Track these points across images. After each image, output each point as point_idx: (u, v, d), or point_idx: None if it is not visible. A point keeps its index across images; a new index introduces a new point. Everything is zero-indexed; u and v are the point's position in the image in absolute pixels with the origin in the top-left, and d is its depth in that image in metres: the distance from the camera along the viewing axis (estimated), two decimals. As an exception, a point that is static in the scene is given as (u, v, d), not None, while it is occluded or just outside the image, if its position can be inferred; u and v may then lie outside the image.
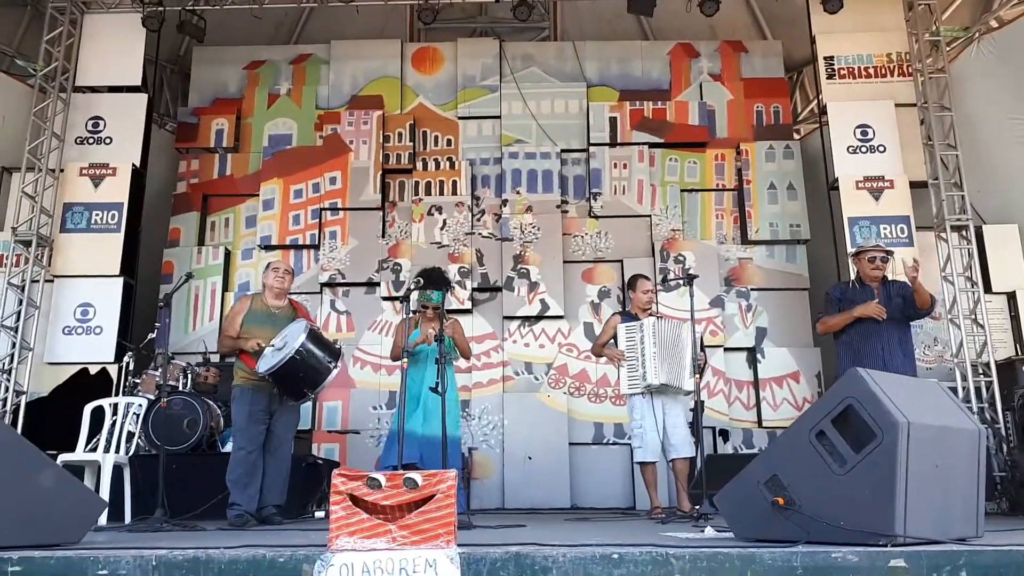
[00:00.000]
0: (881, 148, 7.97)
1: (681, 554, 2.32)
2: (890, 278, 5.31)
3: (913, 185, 7.84)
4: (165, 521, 4.02)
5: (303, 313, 5.04)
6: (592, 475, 7.91)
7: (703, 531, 3.34)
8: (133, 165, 7.99)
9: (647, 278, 5.47)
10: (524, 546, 2.45)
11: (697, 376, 4.97)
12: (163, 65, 9.66)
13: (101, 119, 8.10)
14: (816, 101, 9.10)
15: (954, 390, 7.21)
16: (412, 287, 4.94)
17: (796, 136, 9.43)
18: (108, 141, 8.05)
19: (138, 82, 8.19)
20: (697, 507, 5.10)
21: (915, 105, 8.01)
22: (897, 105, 8.04)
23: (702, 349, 5.19)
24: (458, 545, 2.36)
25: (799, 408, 8.09)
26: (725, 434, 7.90)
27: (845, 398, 2.53)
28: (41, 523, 2.61)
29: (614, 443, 8.05)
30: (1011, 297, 7.76)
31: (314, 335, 4.50)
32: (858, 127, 8.06)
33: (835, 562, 2.29)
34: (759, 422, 8.16)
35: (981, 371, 7.26)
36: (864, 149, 8.01)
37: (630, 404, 5.22)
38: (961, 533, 2.61)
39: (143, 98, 8.28)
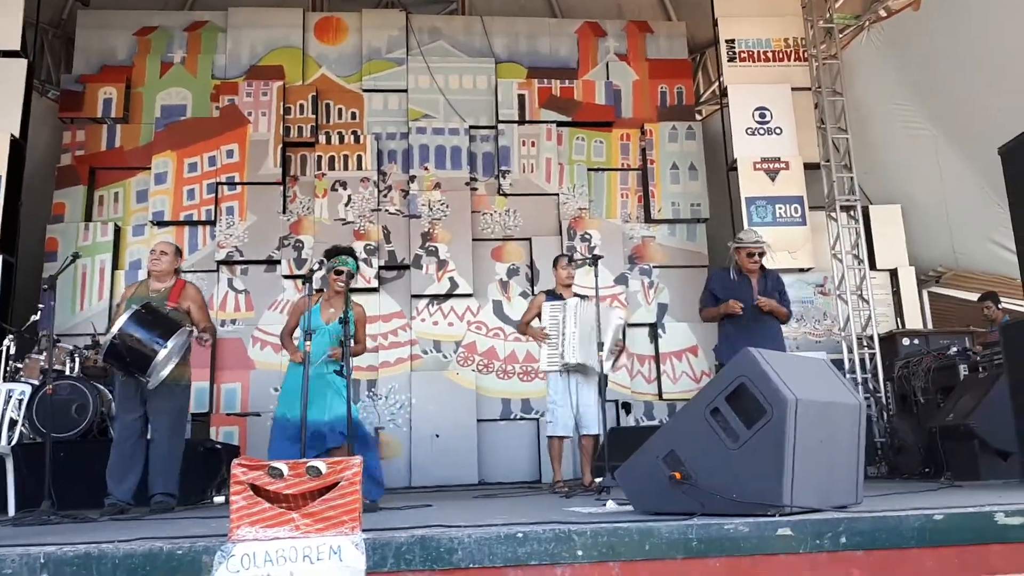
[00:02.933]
0: (778, 130, 8.28)
1: (583, 530, 2.38)
2: (768, 268, 5.57)
3: (807, 167, 8.20)
4: (52, 513, 3.83)
5: (177, 293, 4.79)
6: (499, 451, 8.00)
7: (604, 505, 3.43)
8: (12, 135, 7.45)
9: (567, 256, 5.65)
10: (430, 528, 2.46)
11: (611, 362, 5.10)
12: (44, 28, 9.05)
13: (-26, 85, 7.53)
14: (718, 83, 9.35)
15: (841, 362, 7.65)
16: (323, 258, 4.85)
17: (698, 117, 9.68)
18: (-18, 109, 7.49)
19: (16, 46, 7.61)
20: (599, 480, 5.28)
21: (810, 89, 8.35)
22: (793, 89, 8.37)
23: (623, 336, 5.33)
24: (363, 530, 2.35)
25: (697, 381, 8.40)
26: (627, 407, 8.12)
27: (738, 376, 2.64)
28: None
29: (521, 418, 8.17)
30: (893, 274, 8.25)
31: (140, 317, 4.32)
32: (756, 109, 8.35)
33: (727, 533, 2.40)
34: (660, 394, 8.43)
35: (865, 344, 7.71)
36: (762, 131, 8.30)
37: (548, 380, 5.34)
38: (842, 501, 2.78)
39: (22, 63, 7.71)
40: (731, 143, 8.45)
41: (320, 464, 2.34)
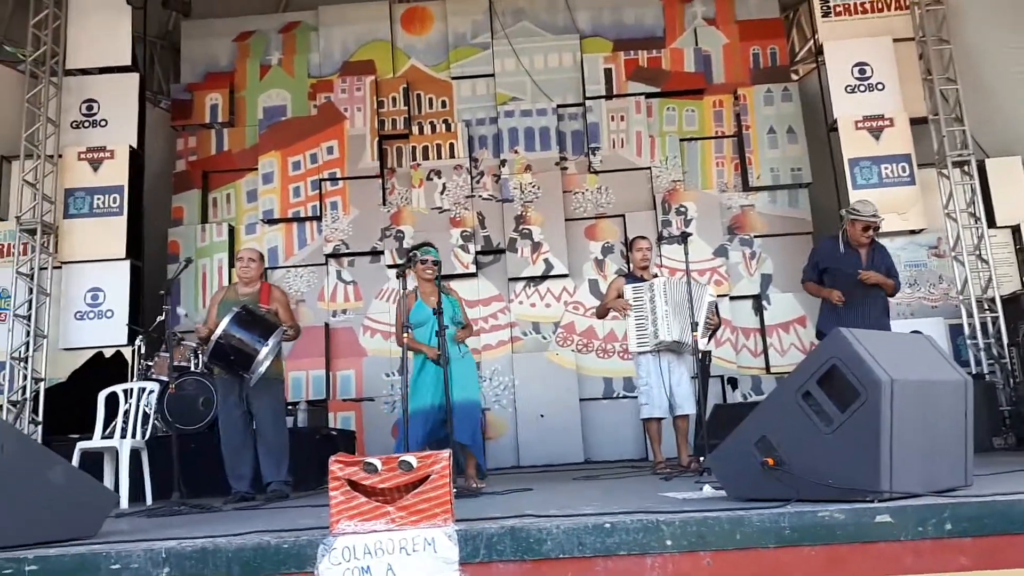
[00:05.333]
0: (880, 86, 7.86)
1: (671, 520, 2.39)
2: (878, 240, 5.42)
3: (913, 122, 7.76)
4: (182, 503, 4.14)
5: (266, 296, 5.07)
6: (604, 429, 8.02)
7: (701, 489, 3.41)
8: (130, 146, 8.01)
9: (644, 238, 5.57)
10: (520, 519, 2.52)
11: (706, 338, 5.03)
12: (152, 42, 9.60)
13: (95, 101, 8.10)
14: (812, 40, 8.94)
15: (960, 327, 7.24)
16: (408, 255, 5.01)
17: (794, 78, 9.29)
18: (104, 123, 8.06)
19: (128, 62, 8.14)
20: (701, 459, 5.23)
21: (913, 39, 7.87)
22: (895, 40, 7.92)
23: (716, 313, 5.24)
24: (456, 521, 2.44)
25: (806, 352, 8.12)
26: (734, 382, 7.97)
27: (829, 358, 2.56)
28: (56, 520, 2.71)
29: (624, 397, 8.14)
30: (1015, 231, 7.72)
31: (241, 318, 4.57)
32: (855, 65, 7.95)
33: (822, 520, 2.35)
34: (767, 368, 8.22)
35: (986, 307, 7.26)
36: (863, 88, 7.91)
37: (636, 362, 5.30)
38: (949, 484, 2.67)
39: (135, 77, 8.26)
40: (830, 103, 8.07)
41: (411, 458, 2.44)
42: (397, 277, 4.76)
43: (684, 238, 4.99)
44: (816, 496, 2.52)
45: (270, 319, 4.87)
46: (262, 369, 4.66)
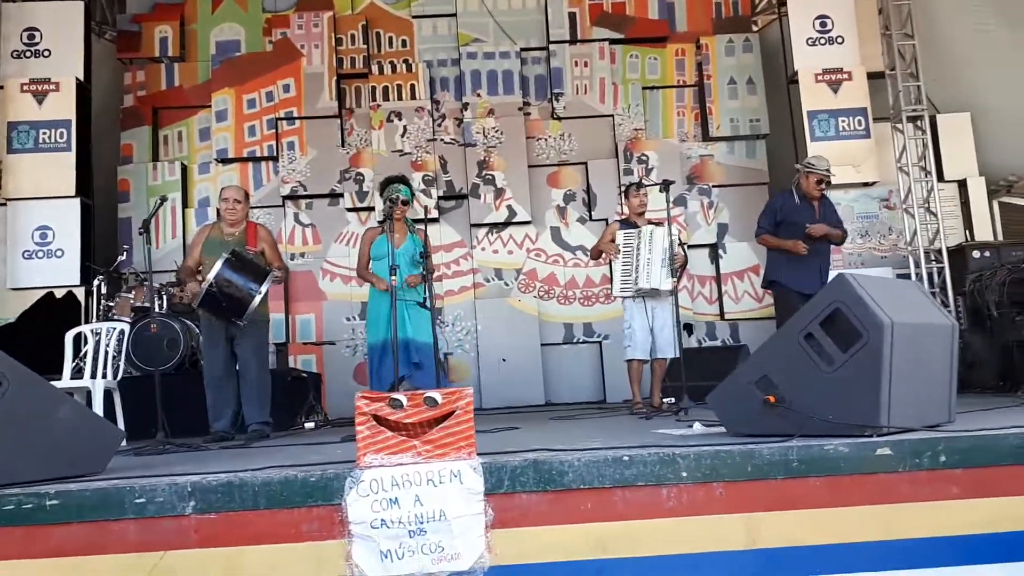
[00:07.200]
0: (839, 39, 8.01)
1: (686, 453, 2.50)
2: (825, 194, 5.71)
3: (870, 76, 7.94)
4: (167, 443, 4.10)
5: (253, 236, 4.98)
6: (564, 373, 8.19)
7: (691, 427, 3.55)
8: (77, 79, 7.63)
9: (640, 185, 5.66)
10: (541, 452, 2.61)
11: (675, 280, 5.16)
12: (95, -33, 9.06)
13: (37, 30, 7.66)
14: (774, -9, 9.03)
15: (907, 276, 7.58)
16: (385, 195, 4.98)
17: (755, 28, 9.36)
18: (47, 54, 7.64)
19: (72, -12, 7.71)
20: (670, 399, 5.42)
21: (874, -7, 8.03)
22: (855, -6, 8.04)
23: (680, 245, 5.37)
24: (479, 454, 2.50)
25: (760, 300, 8.40)
26: (689, 328, 8.15)
27: (833, 302, 2.69)
28: (65, 456, 2.68)
29: (583, 342, 8.31)
30: (962, 185, 8.05)
31: (233, 263, 4.50)
32: (817, 18, 8.06)
33: (827, 453, 2.50)
34: (721, 315, 8.46)
35: (933, 258, 7.61)
36: (823, 41, 8.04)
37: (623, 305, 5.45)
38: (936, 420, 2.85)
39: (79, 6, 7.82)
40: (791, 55, 8.20)
41: (436, 394, 2.48)
42: (380, 223, 4.72)
43: (666, 186, 5.08)
44: (816, 431, 2.66)
45: (260, 263, 4.79)
46: (251, 313, 4.60)
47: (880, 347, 2.57)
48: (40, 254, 7.36)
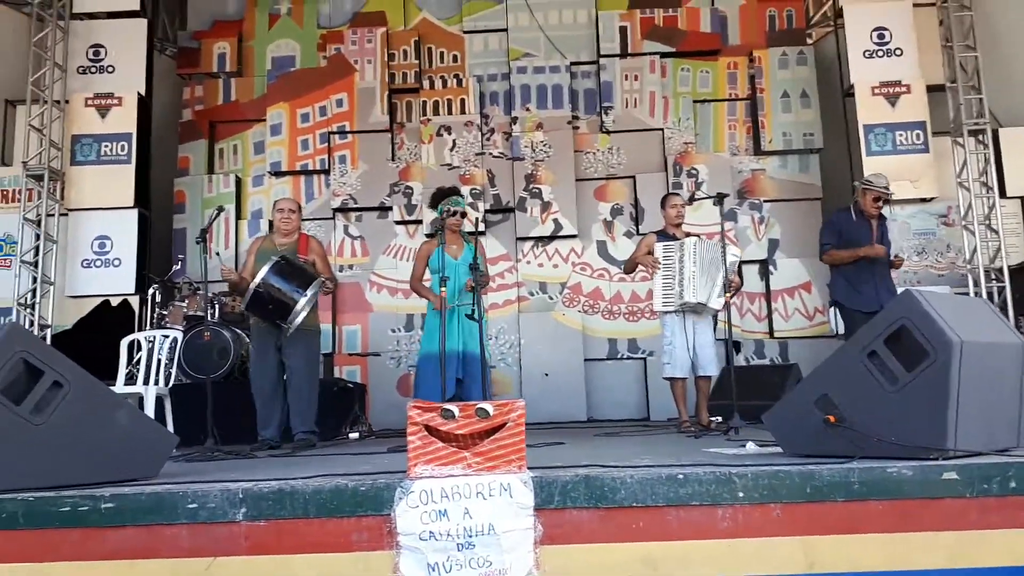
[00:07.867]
0: (898, 51, 7.84)
1: (743, 472, 2.43)
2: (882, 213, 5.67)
3: (929, 89, 7.75)
4: (216, 449, 4.15)
5: (305, 247, 5.05)
6: (607, 389, 8.09)
7: (743, 446, 3.47)
8: (138, 93, 7.85)
9: (677, 195, 5.56)
10: (593, 468, 2.56)
11: (728, 295, 5.06)
12: (158, -14, 9.34)
13: (102, 47, 7.90)
14: (831, 3, 8.87)
15: (966, 296, 7.34)
16: (438, 208, 5.02)
17: (809, 41, 9.22)
18: (111, 69, 7.88)
19: (136, 6, 7.91)
20: (717, 418, 5.31)
21: (934, 4, 7.85)
22: (915, 5, 7.86)
23: (738, 272, 5.27)
24: (530, 468, 2.47)
25: (810, 318, 8.23)
26: (737, 345, 8.03)
27: (899, 318, 2.59)
28: (120, 460, 2.72)
29: (628, 358, 8.21)
30: (1025, 202, 7.78)
31: (281, 267, 4.56)
32: (875, 30, 7.91)
33: (890, 476, 2.40)
34: (771, 333, 8.29)
35: (994, 277, 7.36)
36: (881, 53, 7.87)
37: (662, 321, 5.33)
38: (1004, 444, 2.73)
39: (142, 23, 8.05)
40: (847, 67, 8.05)
41: (488, 406, 2.46)
42: (430, 236, 4.75)
43: (720, 199, 4.98)
44: (878, 453, 2.57)
45: (309, 270, 4.86)
46: (299, 319, 4.65)
47: (948, 366, 2.47)
48: (98, 263, 7.55)
